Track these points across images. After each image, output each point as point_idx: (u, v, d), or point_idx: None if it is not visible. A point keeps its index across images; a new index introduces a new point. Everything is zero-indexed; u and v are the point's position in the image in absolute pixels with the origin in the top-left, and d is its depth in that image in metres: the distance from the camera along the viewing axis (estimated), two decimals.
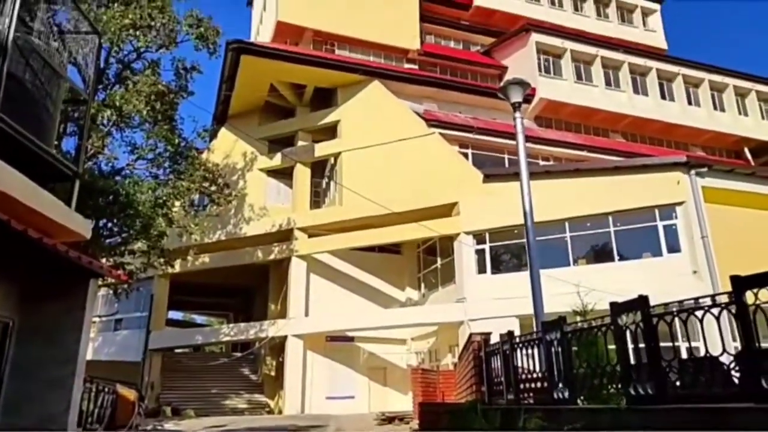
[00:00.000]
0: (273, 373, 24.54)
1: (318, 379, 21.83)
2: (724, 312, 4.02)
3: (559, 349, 5.39)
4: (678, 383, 4.37)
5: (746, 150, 30.52)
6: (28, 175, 5.22)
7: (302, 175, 24.62)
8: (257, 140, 24.43)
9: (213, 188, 19.02)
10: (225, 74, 23.55)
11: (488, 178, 21.45)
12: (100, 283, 17.07)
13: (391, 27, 26.63)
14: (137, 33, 14.42)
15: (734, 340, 4.18)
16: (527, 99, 25.83)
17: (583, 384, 5.12)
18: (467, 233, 20.94)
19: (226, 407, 22.13)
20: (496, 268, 20.86)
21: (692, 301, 4.18)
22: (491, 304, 18.92)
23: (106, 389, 12.67)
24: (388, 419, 13.16)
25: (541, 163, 25.35)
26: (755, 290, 3.79)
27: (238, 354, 28.11)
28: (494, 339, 8.26)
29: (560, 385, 5.35)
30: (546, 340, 5.61)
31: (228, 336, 25.07)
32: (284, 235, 23.17)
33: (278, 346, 23.41)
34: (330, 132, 24.56)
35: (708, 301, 4.14)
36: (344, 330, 22.29)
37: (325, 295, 22.74)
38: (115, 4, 14.49)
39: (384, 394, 22.57)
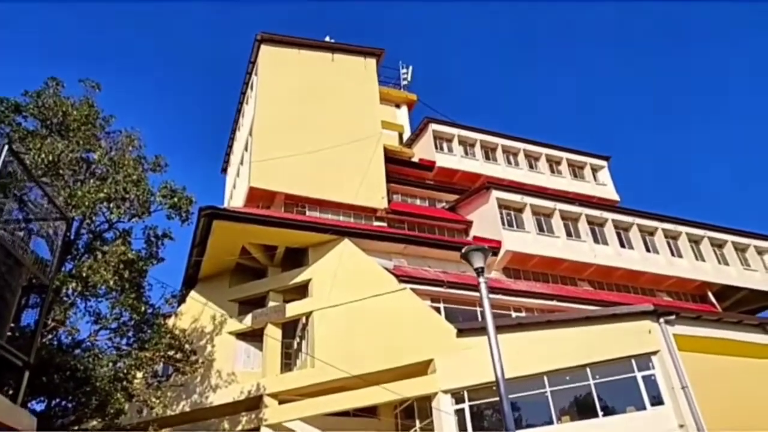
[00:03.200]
0: None
1: None
2: None
3: None
4: None
5: (710, 294, 31.35)
6: None
7: (273, 336, 23.99)
8: (227, 302, 24.12)
9: (179, 356, 18.25)
10: (196, 239, 23.89)
11: (462, 332, 21.26)
12: None
13: (360, 188, 28.03)
14: (111, 205, 14.77)
15: None
16: (494, 252, 26.72)
17: None
18: (445, 392, 20.17)
19: None
20: (478, 429, 19.81)
21: None
22: None
23: None
24: None
25: (513, 314, 25.43)
26: None
27: None
28: None
29: None
30: None
31: None
32: (253, 403, 21.86)
33: None
34: (301, 291, 24.51)
35: None
36: None
37: None
38: (92, 179, 15.01)
39: None
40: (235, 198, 32.10)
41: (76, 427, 15.20)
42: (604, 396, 18.87)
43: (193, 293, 24.70)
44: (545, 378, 19.38)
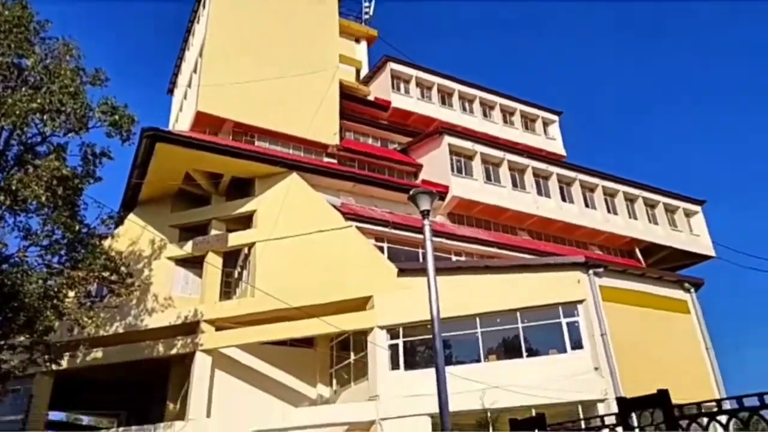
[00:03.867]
0: None
1: None
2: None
3: None
4: None
5: (637, 250, 33.19)
6: None
7: (214, 264, 23.82)
8: (168, 227, 23.62)
9: (114, 278, 17.87)
10: (137, 161, 22.96)
11: (403, 272, 21.76)
12: None
13: (312, 122, 27.47)
14: (45, 117, 13.90)
15: None
16: (441, 196, 27.11)
17: None
18: (381, 327, 20.82)
19: None
20: (410, 364, 20.67)
21: (583, 423, 4.31)
22: (404, 401, 18.60)
23: None
24: None
25: (454, 258, 26.18)
26: (638, 412, 3.97)
27: None
28: None
29: None
30: None
31: None
32: (190, 328, 21.90)
33: None
34: (245, 222, 24.25)
35: (597, 422, 4.28)
36: None
37: (230, 394, 21.38)
38: (24, 88, 14.01)
39: None
40: (181, 121, 30.83)
41: (1, 342, 14.86)
42: (530, 339, 19.99)
43: (132, 216, 23.98)
44: (477, 319, 20.27)
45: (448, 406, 7.28)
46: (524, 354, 19.74)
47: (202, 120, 26.18)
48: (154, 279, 22.33)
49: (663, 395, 3.85)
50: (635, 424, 4.00)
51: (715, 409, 3.64)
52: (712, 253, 34.48)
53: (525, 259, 25.39)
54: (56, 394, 22.85)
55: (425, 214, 9.65)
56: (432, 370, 19.73)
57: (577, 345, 19.06)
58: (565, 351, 19.13)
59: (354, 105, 32.58)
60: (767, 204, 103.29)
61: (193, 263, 24.38)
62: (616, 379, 17.76)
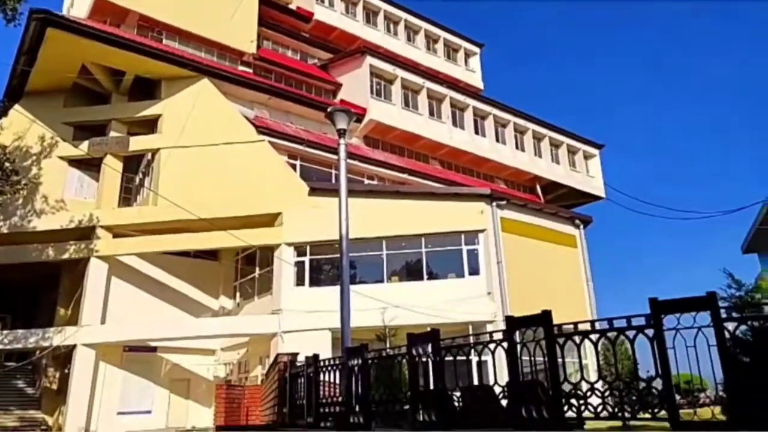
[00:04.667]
0: (55, 386, 21.68)
1: (110, 393, 19.84)
2: (500, 347, 4.53)
3: (360, 375, 5.59)
4: (460, 410, 4.80)
5: (538, 187, 35.09)
6: None
7: (112, 168, 22.37)
8: (61, 124, 21.68)
9: None
10: (25, 46, 20.50)
11: (314, 191, 21.67)
12: None
13: (228, 26, 25.69)
14: None
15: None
16: (358, 118, 26.80)
17: (377, 409, 5.37)
18: (288, 244, 20.87)
19: None
20: (315, 281, 21.07)
21: (472, 338, 4.66)
22: (306, 316, 19.06)
23: None
24: None
25: (366, 181, 26.36)
26: (522, 330, 4.32)
27: (13, 364, 24.36)
28: (308, 353, 8.20)
29: (357, 409, 5.55)
30: (348, 365, 5.78)
31: (0, 344, 21.57)
32: (84, 233, 20.73)
33: (64, 356, 20.77)
34: (149, 126, 22.76)
35: (487, 337, 4.63)
36: (147, 340, 20.67)
37: (127, 301, 20.82)
38: None
39: (185, 408, 21.35)
40: (77, 7, 27.58)
41: None
42: (431, 263, 20.95)
43: (17, 107, 21.66)
44: (384, 242, 20.83)
45: (350, 320, 7.57)
46: (425, 277, 20.71)
47: (102, 7, 23.64)
48: (44, 179, 20.69)
49: (546, 315, 4.22)
50: (518, 340, 4.37)
51: (589, 328, 4.05)
52: (603, 194, 37.19)
53: (434, 187, 26.09)
54: None
55: (341, 133, 9.54)
56: (335, 288, 20.17)
57: (474, 271, 20.22)
58: (462, 276, 20.25)
59: (274, 12, 30.70)
60: (654, 154, 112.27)
61: (89, 165, 22.77)
62: (506, 304, 19.19)
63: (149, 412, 20.51)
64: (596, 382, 4.00)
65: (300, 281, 20.80)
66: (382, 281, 20.47)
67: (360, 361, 5.55)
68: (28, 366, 23.25)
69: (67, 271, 22.66)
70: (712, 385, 3.88)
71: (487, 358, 4.84)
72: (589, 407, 3.86)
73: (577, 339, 4.01)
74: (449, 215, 20.72)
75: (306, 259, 21.03)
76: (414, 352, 4.99)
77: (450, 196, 21.84)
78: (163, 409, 20.97)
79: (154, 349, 21.28)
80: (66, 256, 20.59)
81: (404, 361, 5.19)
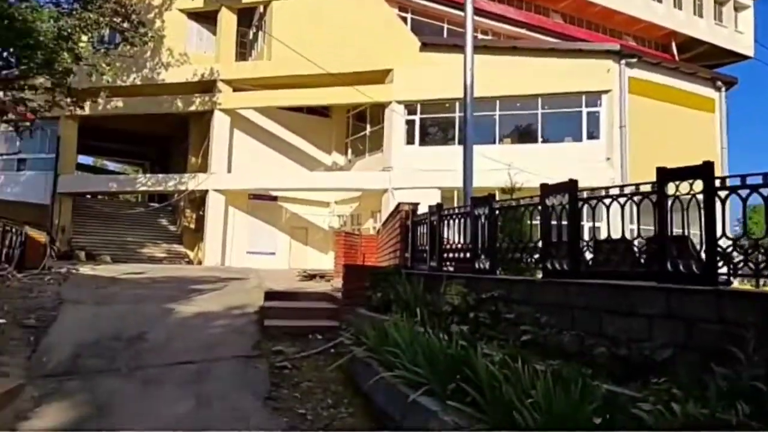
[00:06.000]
0: (192, 226, 24.42)
1: (239, 234, 22.04)
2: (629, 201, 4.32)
3: (486, 224, 5.64)
4: (591, 262, 4.75)
5: (674, 45, 31.27)
6: None
7: (228, 21, 22.68)
8: None
9: (126, 25, 17.16)
10: None
11: (426, 47, 20.81)
12: None
13: None
14: None
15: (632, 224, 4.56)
16: None
17: (504, 257, 5.46)
18: (399, 102, 20.68)
19: (143, 255, 22.04)
20: (424, 140, 21.05)
21: (617, 189, 4.44)
22: (416, 174, 19.33)
23: (14, 230, 12.14)
24: (310, 276, 13.66)
25: (480, 36, 24.76)
26: (676, 183, 4.03)
27: (156, 204, 27.52)
28: (421, 209, 8.50)
29: (482, 256, 5.69)
30: (474, 214, 5.84)
31: (144, 186, 24.24)
32: (206, 86, 21.80)
33: (198, 200, 23.07)
34: None
35: (632, 189, 4.39)
36: (268, 189, 22.21)
37: (249, 153, 22.23)
38: None
39: (304, 252, 23.29)
40: None
41: (22, 82, 14.90)
42: (547, 126, 19.97)
43: None
44: (497, 102, 19.99)
45: (472, 173, 7.53)
46: (539, 140, 19.92)
47: None
48: (167, 32, 21.42)
49: (707, 166, 3.87)
50: (670, 192, 4.10)
51: (739, 183, 3.70)
52: (751, 53, 32.52)
53: (554, 43, 24.04)
54: (83, 140, 23.79)
55: None
56: (443, 148, 20.40)
57: (593, 135, 19.10)
58: (580, 140, 19.25)
59: None
60: None
61: (206, 18, 23.22)
62: (626, 171, 18.18)
63: (273, 253, 22.67)
64: (740, 238, 3.74)
65: (410, 140, 20.86)
66: (493, 143, 19.96)
67: (487, 211, 5.58)
68: (168, 207, 26.16)
69: (195, 122, 24.26)
70: None
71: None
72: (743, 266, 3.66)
73: (743, 193, 3.67)
74: (570, 74, 19.19)
75: (416, 118, 20.86)
76: (548, 202, 4.89)
77: (572, 53, 20.03)
78: (285, 252, 23.08)
79: (275, 198, 22.93)
80: (192, 108, 21.93)
81: (535, 211, 5.13)
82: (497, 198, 6.00)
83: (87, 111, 19.55)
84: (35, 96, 15.56)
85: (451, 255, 6.45)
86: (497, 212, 5.56)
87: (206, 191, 21.47)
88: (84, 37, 15.90)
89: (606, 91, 18.93)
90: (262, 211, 22.72)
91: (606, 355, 3.90)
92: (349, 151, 24.36)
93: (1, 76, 14.69)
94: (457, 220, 6.38)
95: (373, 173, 20.79)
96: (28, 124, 16.65)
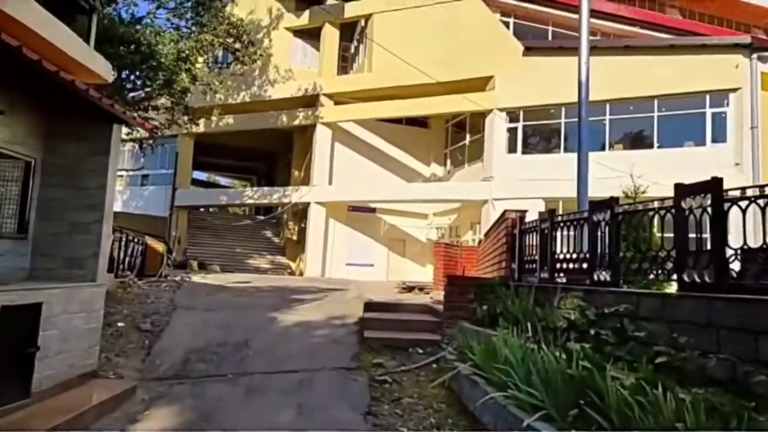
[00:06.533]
0: (295, 237, 25.18)
1: (339, 246, 22.36)
2: None
3: (606, 231, 5.07)
4: (738, 274, 4.06)
5: None
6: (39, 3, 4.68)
7: (330, 36, 23.30)
8: None
9: (237, 45, 18.07)
10: None
11: (529, 51, 20.04)
12: (126, 136, 17.01)
13: None
14: None
15: None
16: None
17: (627, 268, 4.86)
18: (501, 110, 20.05)
19: (250, 265, 23.00)
20: (526, 149, 20.24)
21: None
22: (517, 184, 18.59)
23: (136, 240, 13.04)
24: (408, 288, 13.45)
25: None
26: None
27: (261, 217, 28.76)
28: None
29: (602, 267, 5.12)
30: (593, 220, 5.28)
31: (251, 198, 25.39)
32: (309, 101, 22.48)
33: (300, 212, 23.76)
34: None
35: None
36: (367, 201, 22.37)
37: (349, 165, 22.57)
38: None
39: (402, 264, 23.16)
40: None
41: (146, 103, 16.08)
42: (664, 129, 18.41)
43: None
44: (608, 106, 18.79)
45: (587, 179, 6.92)
46: (654, 145, 18.41)
47: None
48: (274, 50, 22.40)
49: None
50: None
51: None
52: None
53: (672, 39, 22.23)
54: (197, 156, 25.43)
55: None
56: (547, 156, 19.45)
57: (719, 139, 17.31)
58: (703, 144, 17.54)
59: None
60: None
61: (310, 35, 24.01)
62: (758, 177, 16.26)
63: (372, 265, 22.75)
64: None
65: (512, 148, 20.12)
66: (603, 149, 18.72)
67: (608, 216, 5.00)
68: (272, 219, 27.22)
69: (299, 136, 25.12)
70: None
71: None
72: None
73: None
74: (692, 72, 17.57)
75: (519, 126, 20.11)
76: (684, 204, 4.26)
77: (695, 49, 18.32)
78: (383, 263, 23.09)
79: (373, 210, 23.06)
80: (296, 122, 22.69)
81: (667, 215, 4.49)
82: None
83: (201, 128, 20.85)
84: (157, 116, 16.78)
85: (564, 266, 5.90)
86: (620, 217, 4.96)
87: (308, 203, 22.03)
88: (200, 59, 16.93)
89: (734, 89, 17.12)
90: (361, 222, 22.92)
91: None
92: (448, 161, 24.00)
93: (129, 99, 15.96)
94: (572, 228, 5.82)
95: (473, 183, 20.27)
96: (151, 141, 17.99)
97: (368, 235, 23.14)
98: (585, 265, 5.49)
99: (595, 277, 5.19)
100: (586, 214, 5.52)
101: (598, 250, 5.23)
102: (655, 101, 18.21)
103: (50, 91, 5.08)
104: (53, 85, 4.61)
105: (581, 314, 4.80)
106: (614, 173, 15.32)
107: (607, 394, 3.35)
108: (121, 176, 25.58)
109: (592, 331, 4.49)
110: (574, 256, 5.70)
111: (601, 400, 3.39)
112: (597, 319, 4.56)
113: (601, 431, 3.26)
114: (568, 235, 5.98)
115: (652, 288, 4.88)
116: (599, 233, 5.20)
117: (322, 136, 22.27)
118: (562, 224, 5.97)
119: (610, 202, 5.02)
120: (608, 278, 5.02)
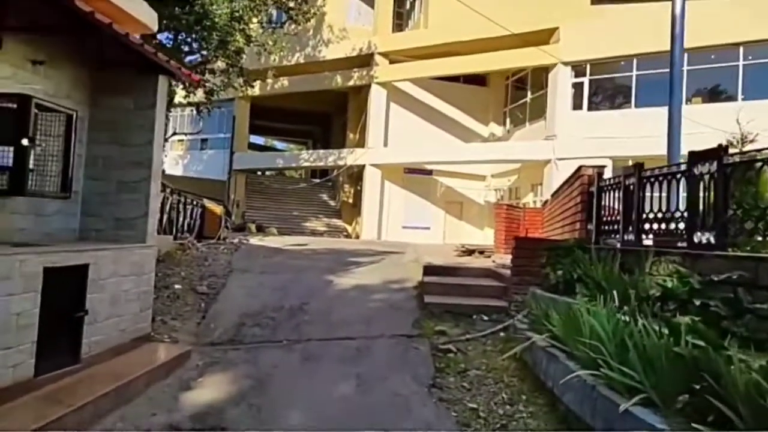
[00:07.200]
0: (350, 200, 24.96)
1: (395, 209, 21.96)
2: None
3: (711, 185, 4.35)
4: None
5: None
6: None
7: None
8: None
9: (291, 3, 17.57)
10: None
11: None
12: (183, 100, 17.02)
13: None
14: None
15: None
16: None
17: (740, 228, 4.15)
18: (565, 64, 18.78)
19: (306, 228, 22.99)
20: (594, 105, 18.98)
21: None
22: (582, 143, 17.49)
23: (195, 203, 13.05)
24: (468, 251, 12.90)
25: None
26: None
27: (317, 180, 28.69)
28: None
29: (704, 228, 4.42)
30: (693, 173, 4.55)
31: (307, 162, 25.25)
32: (364, 61, 21.83)
33: (356, 175, 23.43)
34: None
35: None
36: (423, 163, 21.76)
37: (404, 126, 21.93)
38: None
39: (459, 227, 22.56)
40: None
41: (203, 66, 15.94)
42: (750, 81, 16.72)
43: None
44: (686, 55, 17.14)
45: (680, 126, 6.10)
46: (739, 98, 16.76)
47: None
48: (328, 8, 21.74)
49: None
50: None
51: None
52: None
53: None
54: (253, 120, 25.43)
55: None
56: (614, 113, 18.15)
57: None
58: None
59: None
60: None
61: None
62: None
63: (428, 228, 22.27)
64: None
65: (577, 105, 18.91)
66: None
67: (714, 167, 4.28)
68: (328, 182, 27.07)
69: (353, 97, 24.61)
70: None
71: None
72: None
73: None
74: None
75: (585, 80, 18.82)
76: None
77: None
78: (439, 226, 22.57)
79: (429, 172, 22.44)
80: (351, 83, 22.16)
81: None
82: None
83: (257, 91, 20.63)
84: (213, 78, 16.65)
85: (653, 226, 5.21)
86: (730, 169, 4.22)
87: (363, 166, 21.64)
88: (254, 18, 16.56)
89: None
90: (416, 185, 22.37)
91: None
92: (508, 120, 22.93)
93: (186, 63, 15.85)
94: (664, 183, 5.10)
95: (535, 143, 19.25)
96: (208, 104, 17.93)
97: (424, 198, 22.60)
98: (681, 226, 4.78)
99: (696, 239, 4.50)
100: (683, 167, 4.78)
101: (700, 209, 4.51)
102: (740, 49, 16.54)
103: (98, 43, 4.78)
104: (102, 35, 4.27)
105: (681, 282, 4.15)
106: (698, 128, 14.03)
107: (728, 377, 2.77)
108: (182, 141, 25.98)
109: (697, 302, 3.84)
110: (667, 215, 5.00)
111: (719, 385, 2.81)
112: (703, 288, 3.90)
113: (720, 422, 2.69)
114: (659, 192, 5.26)
115: (762, 252, 4.15)
116: (702, 188, 4.48)
117: (377, 97, 21.66)
118: (652, 179, 5.25)
119: (718, 151, 4.28)
120: (712, 240, 4.32)
